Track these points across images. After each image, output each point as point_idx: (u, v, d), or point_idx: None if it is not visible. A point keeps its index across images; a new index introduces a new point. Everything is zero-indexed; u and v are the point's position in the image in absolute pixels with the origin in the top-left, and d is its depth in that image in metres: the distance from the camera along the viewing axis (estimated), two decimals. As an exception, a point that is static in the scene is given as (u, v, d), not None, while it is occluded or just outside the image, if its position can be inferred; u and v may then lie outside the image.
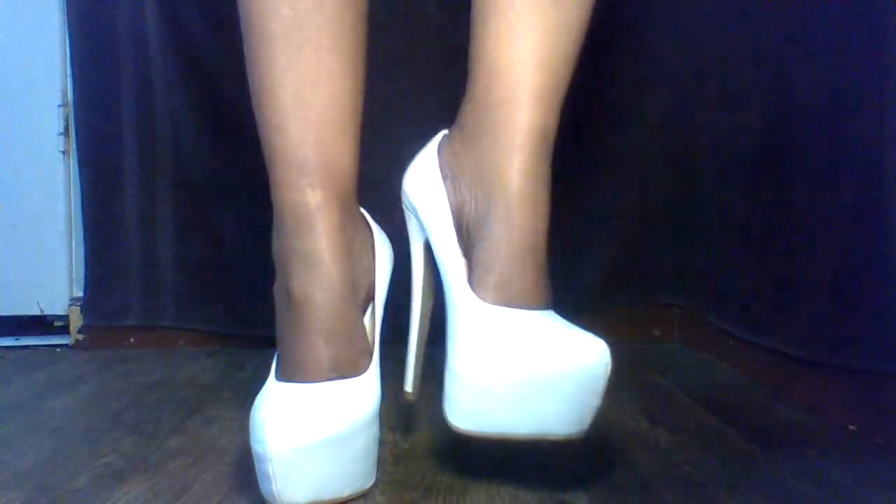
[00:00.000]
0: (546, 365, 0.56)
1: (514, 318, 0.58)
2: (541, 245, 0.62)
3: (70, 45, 1.13)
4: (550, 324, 0.58)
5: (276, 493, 0.54)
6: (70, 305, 1.15)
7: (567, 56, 0.65)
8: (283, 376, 0.60)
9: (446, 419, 0.59)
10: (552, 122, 0.64)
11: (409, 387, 0.69)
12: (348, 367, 0.60)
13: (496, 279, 0.60)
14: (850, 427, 0.70)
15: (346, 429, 0.56)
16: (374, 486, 0.60)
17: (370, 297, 0.67)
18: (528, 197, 0.62)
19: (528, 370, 0.56)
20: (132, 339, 1.14)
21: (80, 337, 1.15)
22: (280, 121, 0.68)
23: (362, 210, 0.71)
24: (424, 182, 0.68)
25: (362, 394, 0.59)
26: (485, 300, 0.59)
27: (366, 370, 0.60)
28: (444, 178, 0.67)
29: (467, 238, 0.63)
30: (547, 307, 0.61)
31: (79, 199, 1.14)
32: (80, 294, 1.15)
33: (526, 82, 0.63)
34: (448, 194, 0.66)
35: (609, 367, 0.56)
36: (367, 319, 0.65)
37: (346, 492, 0.57)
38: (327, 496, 0.56)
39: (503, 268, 0.60)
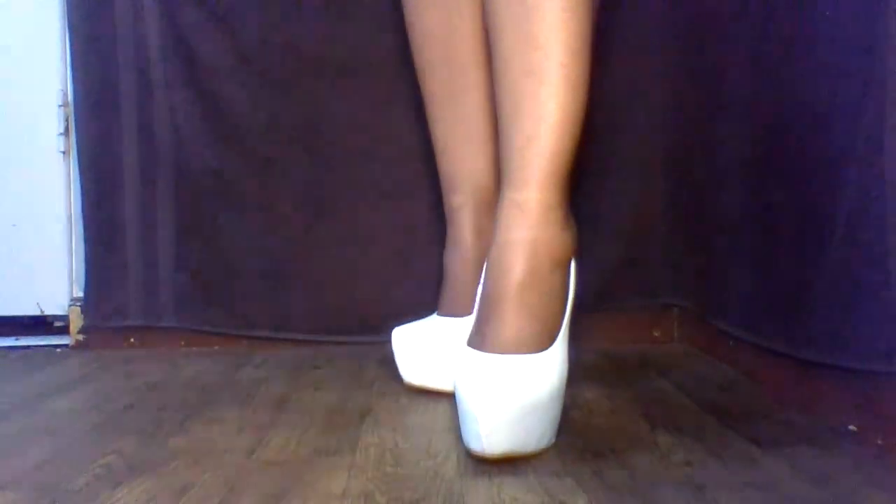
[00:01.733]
0: (461, 395, 0.66)
1: (471, 359, 0.67)
2: (517, 293, 0.69)
3: (70, 45, 1.13)
4: (487, 363, 0.66)
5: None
6: (70, 306, 1.15)
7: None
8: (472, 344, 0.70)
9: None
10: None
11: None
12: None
13: (474, 327, 0.71)
14: (850, 427, 0.70)
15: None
16: (375, 486, 0.60)
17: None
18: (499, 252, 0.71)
19: (460, 401, 0.66)
20: (132, 340, 1.14)
21: (80, 337, 1.14)
22: (437, 146, 0.92)
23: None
24: None
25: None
26: (468, 344, 0.70)
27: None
28: None
29: None
30: (526, 350, 0.68)
31: (79, 199, 1.14)
32: (80, 294, 1.15)
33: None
34: None
35: (485, 384, 0.64)
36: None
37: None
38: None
39: (478, 317, 0.71)
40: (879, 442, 0.66)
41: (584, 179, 1.10)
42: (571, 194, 0.75)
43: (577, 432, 0.72)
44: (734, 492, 0.58)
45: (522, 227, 0.71)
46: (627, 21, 1.10)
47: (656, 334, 1.13)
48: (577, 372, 0.90)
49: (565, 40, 0.70)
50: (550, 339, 0.69)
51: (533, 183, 0.71)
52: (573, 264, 0.74)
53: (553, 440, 0.69)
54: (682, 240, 1.09)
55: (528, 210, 0.71)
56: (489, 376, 0.64)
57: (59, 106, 1.16)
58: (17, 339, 1.16)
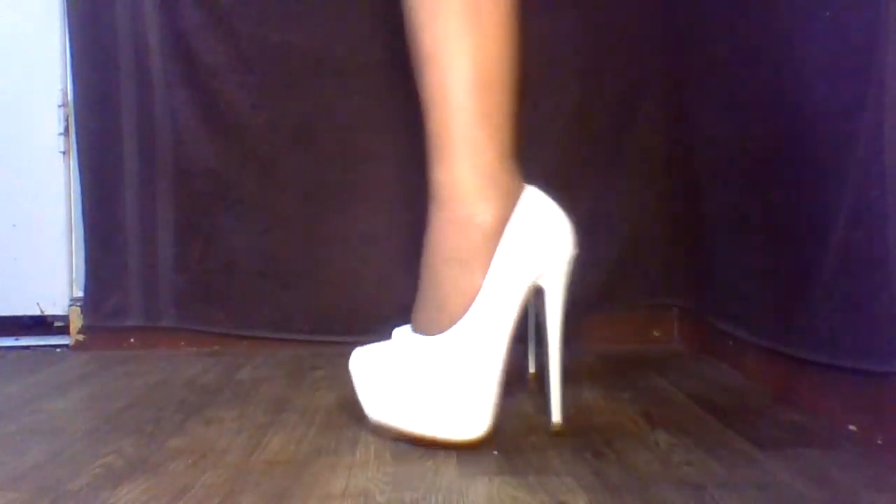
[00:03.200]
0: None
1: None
2: (421, 275, 0.71)
3: (70, 45, 1.13)
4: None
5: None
6: (70, 306, 1.15)
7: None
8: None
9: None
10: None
11: (556, 417, 0.73)
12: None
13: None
14: (850, 427, 0.70)
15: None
16: (374, 485, 0.60)
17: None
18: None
19: None
20: (132, 340, 1.14)
21: (80, 337, 1.14)
22: None
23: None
24: None
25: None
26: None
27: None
28: None
29: None
30: (416, 330, 0.71)
31: (79, 200, 1.14)
32: (80, 294, 1.15)
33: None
34: None
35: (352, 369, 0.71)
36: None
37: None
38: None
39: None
40: (879, 442, 0.66)
41: (584, 179, 1.10)
42: (501, 167, 0.71)
43: (577, 432, 0.72)
44: (734, 492, 0.58)
45: (430, 206, 0.71)
46: (627, 21, 1.10)
47: (656, 334, 1.13)
48: (578, 372, 0.90)
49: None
50: (447, 324, 0.68)
51: (432, 159, 0.71)
52: (502, 247, 0.69)
53: (447, 431, 0.67)
54: (682, 240, 1.09)
55: (433, 189, 0.71)
56: (378, 349, 0.71)
57: (59, 106, 1.16)
58: (16, 339, 1.16)
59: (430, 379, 0.67)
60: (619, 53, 1.10)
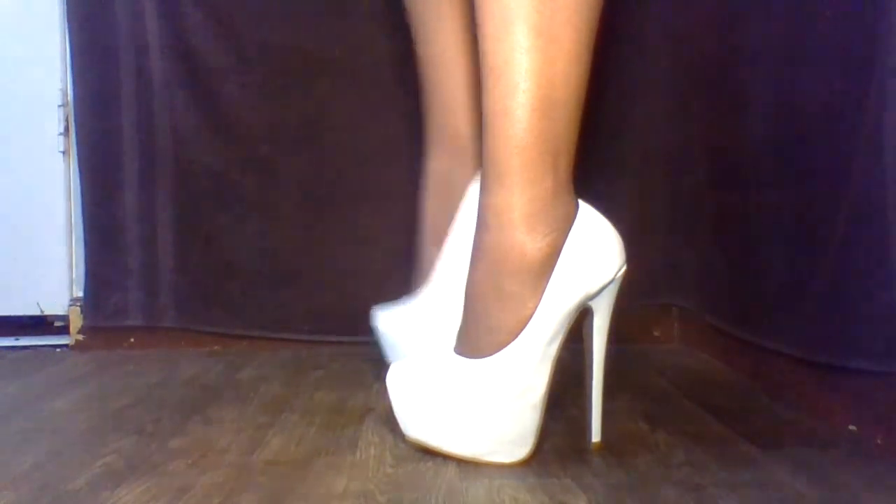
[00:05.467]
0: None
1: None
2: (467, 298, 0.69)
3: (70, 45, 1.13)
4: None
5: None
6: (70, 305, 1.15)
7: None
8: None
9: None
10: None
11: (596, 437, 0.70)
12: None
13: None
14: (850, 427, 0.70)
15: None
16: (375, 485, 0.60)
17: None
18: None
19: None
20: (132, 340, 1.14)
21: (80, 337, 1.14)
22: None
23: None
24: None
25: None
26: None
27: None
28: None
29: None
30: (461, 353, 0.68)
31: (79, 199, 1.14)
32: (80, 294, 1.15)
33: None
34: None
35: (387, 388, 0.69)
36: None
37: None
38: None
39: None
40: (879, 442, 0.66)
41: (584, 180, 1.10)
42: (556, 193, 0.68)
43: (578, 432, 0.72)
44: (734, 492, 0.58)
45: (480, 230, 0.68)
46: (628, 21, 1.10)
47: (656, 334, 1.13)
48: (578, 372, 0.90)
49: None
50: (495, 348, 0.66)
51: (486, 181, 0.67)
52: (555, 275, 0.67)
53: (493, 454, 0.66)
54: (682, 240, 1.09)
55: (482, 211, 0.68)
56: (418, 366, 0.69)
57: (59, 106, 1.16)
58: (17, 339, 1.16)
59: (476, 402, 0.66)
60: (619, 53, 1.10)
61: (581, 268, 0.67)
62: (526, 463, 0.65)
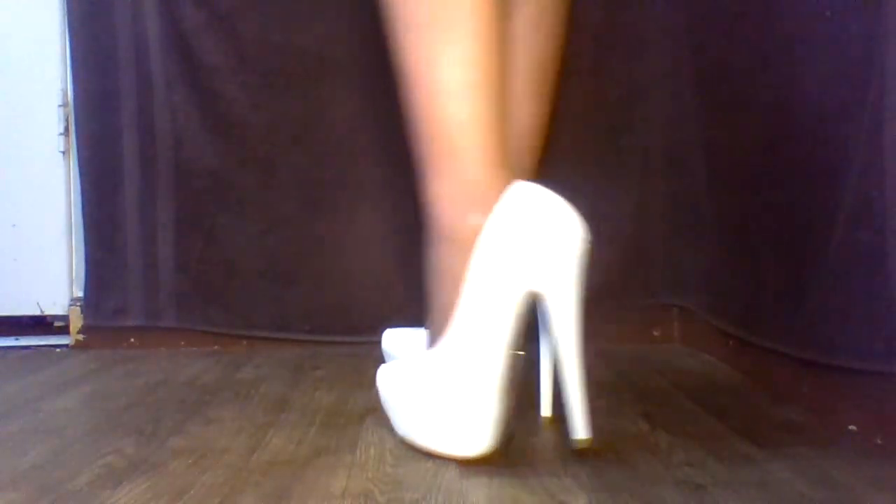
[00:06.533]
0: None
1: None
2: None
3: (70, 45, 1.13)
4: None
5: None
6: (70, 305, 1.15)
7: None
8: None
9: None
10: None
11: (581, 434, 0.66)
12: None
13: None
14: (850, 427, 0.70)
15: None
16: (375, 485, 0.60)
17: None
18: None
19: None
20: (132, 340, 1.14)
21: (80, 337, 1.14)
22: None
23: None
24: None
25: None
26: None
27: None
28: None
29: None
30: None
31: (79, 199, 1.14)
32: (80, 294, 1.15)
33: None
34: None
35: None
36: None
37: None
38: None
39: None
40: (879, 442, 0.66)
41: (585, 179, 1.10)
42: (486, 175, 0.67)
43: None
44: (734, 492, 0.58)
45: (427, 215, 0.70)
46: (628, 21, 1.10)
47: (656, 334, 1.13)
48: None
49: None
50: (445, 329, 0.66)
51: (422, 170, 0.70)
52: (479, 251, 0.65)
53: (446, 445, 0.65)
54: (682, 240, 1.09)
55: (425, 206, 0.70)
56: (399, 365, 0.72)
57: (59, 106, 1.16)
58: (17, 339, 1.16)
59: (427, 394, 0.67)
60: (620, 53, 1.10)
61: (511, 248, 0.65)
62: (487, 460, 0.65)
